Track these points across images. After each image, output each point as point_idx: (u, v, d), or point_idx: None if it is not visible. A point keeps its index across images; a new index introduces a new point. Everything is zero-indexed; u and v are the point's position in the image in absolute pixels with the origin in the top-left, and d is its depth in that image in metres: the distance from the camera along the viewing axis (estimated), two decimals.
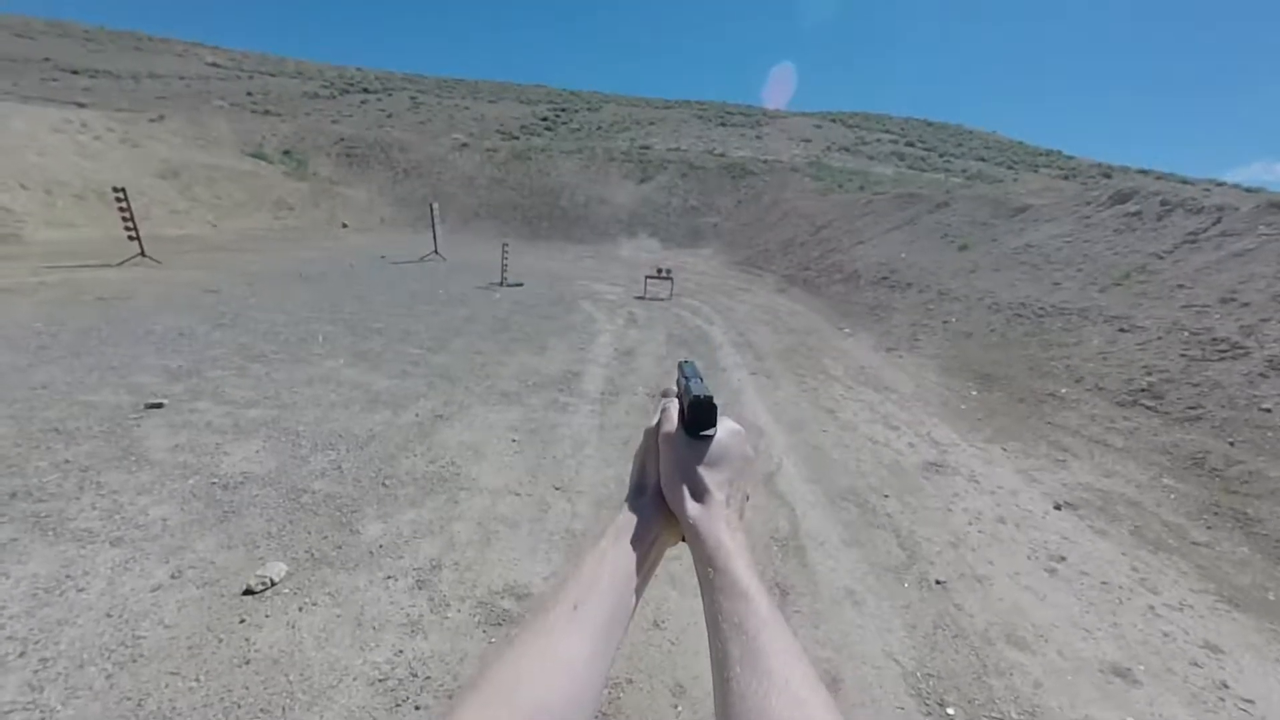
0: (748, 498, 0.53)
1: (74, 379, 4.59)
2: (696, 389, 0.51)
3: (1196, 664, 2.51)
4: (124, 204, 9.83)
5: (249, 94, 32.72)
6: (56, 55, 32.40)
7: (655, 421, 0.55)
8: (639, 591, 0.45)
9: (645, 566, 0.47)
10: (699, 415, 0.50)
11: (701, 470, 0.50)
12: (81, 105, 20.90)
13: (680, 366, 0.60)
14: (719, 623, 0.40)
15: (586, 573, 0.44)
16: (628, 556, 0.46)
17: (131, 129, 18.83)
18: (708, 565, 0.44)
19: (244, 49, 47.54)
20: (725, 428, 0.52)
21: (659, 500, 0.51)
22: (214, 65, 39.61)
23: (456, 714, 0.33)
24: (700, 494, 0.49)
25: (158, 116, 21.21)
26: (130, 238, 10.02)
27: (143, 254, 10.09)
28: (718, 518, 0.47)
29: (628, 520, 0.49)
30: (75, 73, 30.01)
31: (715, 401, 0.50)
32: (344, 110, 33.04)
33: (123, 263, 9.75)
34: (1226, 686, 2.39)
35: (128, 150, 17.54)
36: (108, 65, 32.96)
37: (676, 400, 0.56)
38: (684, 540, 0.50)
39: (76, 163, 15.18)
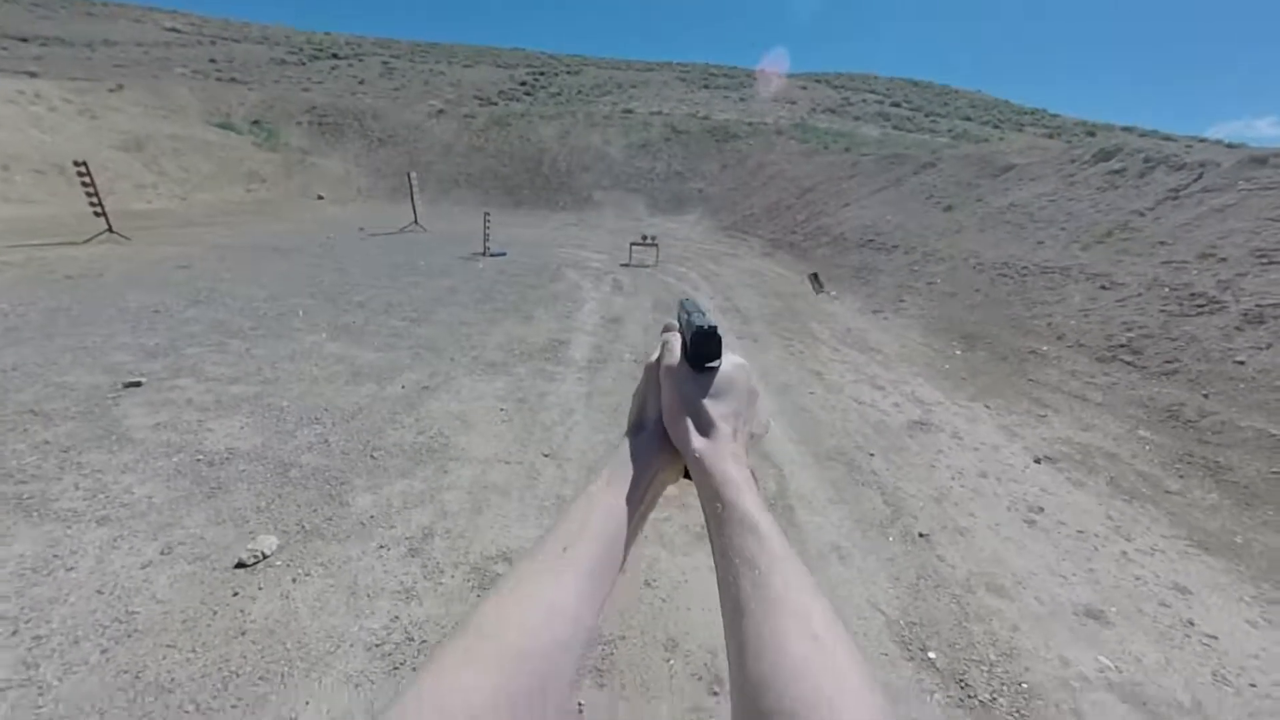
0: (753, 434, 0.52)
1: (46, 360, 4.48)
2: (699, 320, 0.50)
3: (1165, 604, 2.62)
4: (87, 178, 9.46)
5: (212, 61, 31.29)
6: (3, 22, 30.64)
7: (656, 356, 0.53)
8: (634, 531, 0.44)
9: (644, 504, 0.46)
10: (703, 346, 0.49)
11: (706, 403, 0.48)
12: (33, 75, 19.87)
13: (682, 303, 0.58)
14: (729, 558, 0.38)
15: (577, 514, 0.42)
16: (620, 497, 0.44)
17: (89, 99, 18.01)
18: (715, 500, 0.42)
19: (204, 13, 45.25)
20: (730, 360, 0.50)
21: (660, 436, 0.49)
22: (173, 30, 37.72)
23: (439, 658, 0.32)
24: (705, 427, 0.47)
25: (116, 86, 20.26)
26: (96, 213, 9.67)
27: (110, 230, 9.76)
28: (724, 451, 0.45)
29: (623, 460, 0.47)
30: (24, 40, 28.43)
31: (720, 332, 0.49)
32: (314, 77, 31.76)
33: (89, 240, 9.43)
34: (1192, 624, 2.50)
35: (87, 122, 16.81)
36: (59, 32, 31.25)
37: (679, 334, 0.54)
38: (686, 477, 0.49)
39: (33, 135, 14.53)
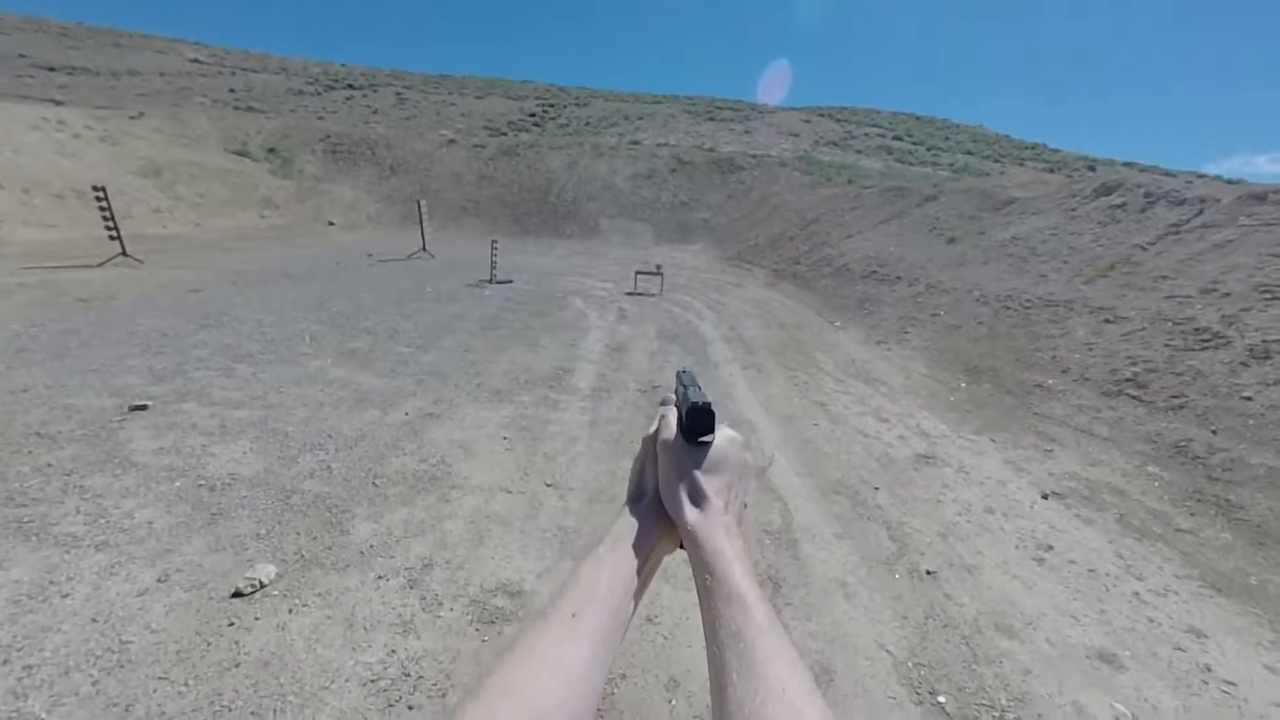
0: (745, 505, 0.54)
1: (55, 381, 4.52)
2: (695, 396, 0.52)
3: (1180, 648, 2.55)
4: (104, 203, 9.68)
5: (231, 90, 32.23)
6: (32, 51, 31.71)
7: (654, 429, 0.55)
8: (637, 598, 0.45)
9: (643, 573, 0.47)
10: (697, 421, 0.51)
11: (700, 476, 0.50)
12: (59, 103, 20.50)
13: (679, 375, 0.60)
14: (716, 629, 0.40)
15: (585, 580, 0.44)
16: (626, 563, 0.46)
17: (111, 126, 18.51)
18: (706, 571, 0.44)
19: (226, 45, 46.76)
20: (723, 434, 0.53)
21: (657, 507, 0.51)
22: (195, 62, 38.96)
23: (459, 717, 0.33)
24: (699, 500, 0.49)
25: (138, 114, 20.85)
26: (111, 237, 9.86)
27: (124, 253, 9.94)
28: (716, 524, 0.47)
29: (626, 526, 0.49)
30: (52, 69, 29.40)
31: (713, 409, 0.51)
32: (329, 107, 32.63)
33: (104, 263, 9.60)
34: (1210, 670, 2.43)
35: (107, 148, 17.24)
36: (85, 62, 32.31)
37: (675, 409, 0.57)
38: (682, 547, 0.50)
39: (55, 161, 14.91)
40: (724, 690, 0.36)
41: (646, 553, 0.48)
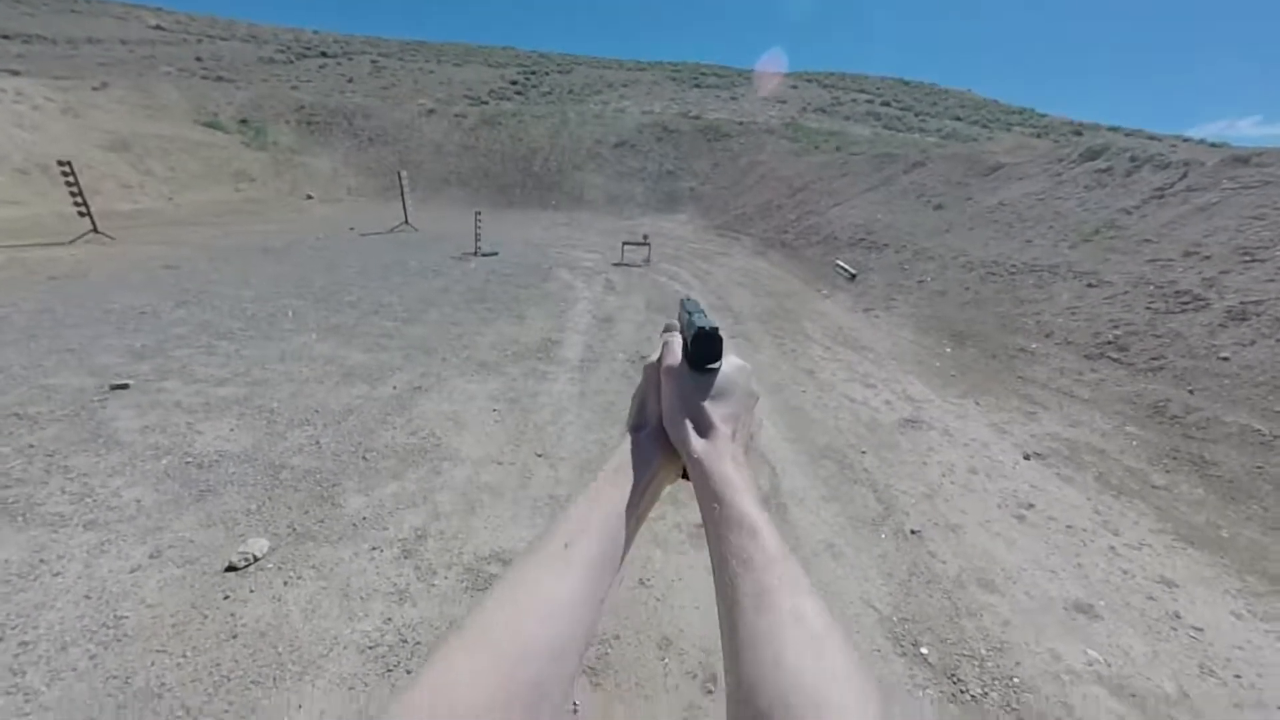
0: (752, 435, 0.52)
1: (31, 362, 4.42)
2: (701, 321, 0.50)
3: (1152, 598, 2.65)
4: (71, 178, 9.33)
5: (199, 59, 30.93)
6: None
7: (657, 356, 0.53)
8: (634, 530, 0.44)
9: (642, 503, 0.46)
10: (704, 348, 0.49)
11: (706, 404, 0.48)
12: (15, 73, 19.55)
13: (682, 302, 0.58)
14: (726, 559, 0.38)
15: (578, 511, 0.42)
16: (622, 495, 0.44)
17: (73, 97, 17.74)
18: (713, 500, 0.42)
19: (190, 11, 44.66)
20: (730, 362, 0.51)
21: (659, 436, 0.49)
22: (158, 29, 37.24)
23: (439, 656, 0.32)
24: (705, 428, 0.47)
25: (101, 84, 19.98)
26: (80, 214, 9.55)
27: (95, 230, 9.64)
28: (723, 452, 0.45)
29: (624, 458, 0.47)
30: (6, 38, 27.98)
31: (720, 333, 0.49)
32: (302, 76, 31.47)
33: (74, 240, 9.31)
34: (1179, 617, 2.54)
35: (70, 121, 16.56)
36: (42, 29, 30.77)
37: (679, 335, 0.54)
38: (684, 477, 0.49)
39: (15, 134, 14.30)
40: (736, 621, 0.35)
41: (646, 482, 0.46)
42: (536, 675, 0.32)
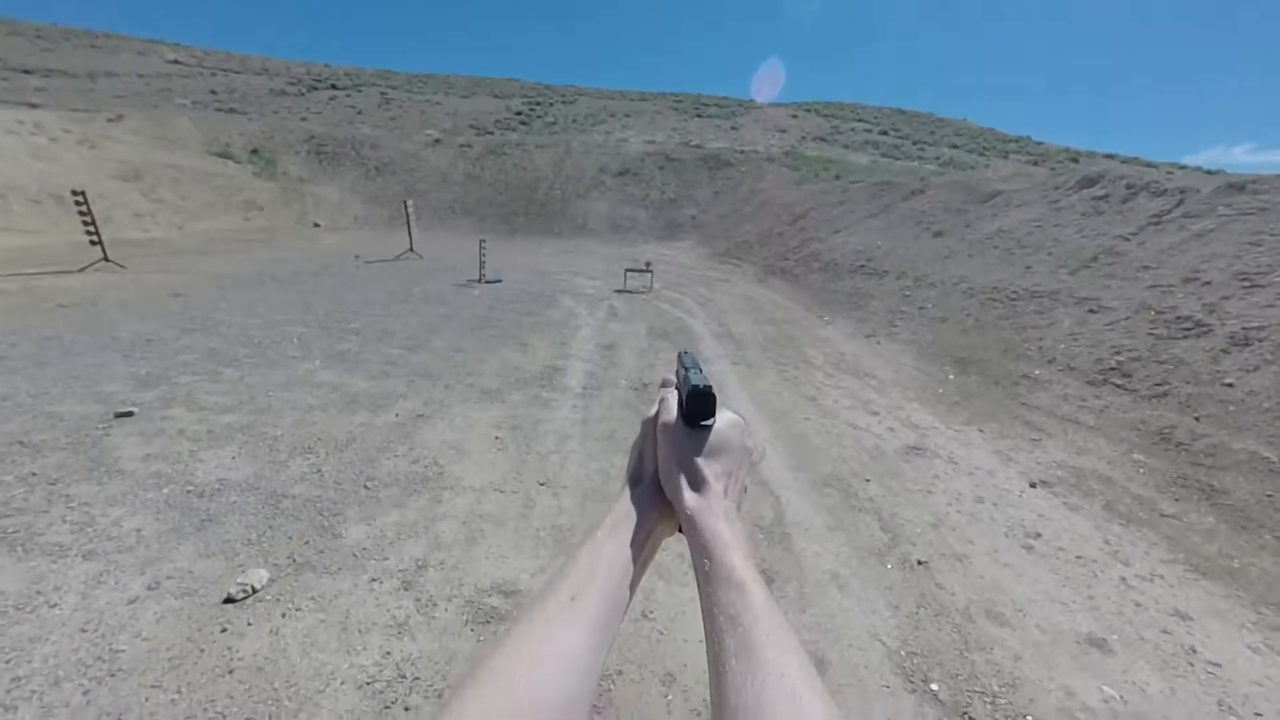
0: (745, 489, 0.53)
1: (37, 389, 4.45)
2: (696, 379, 0.51)
3: (1167, 631, 2.59)
4: (84, 207, 9.52)
5: (213, 92, 31.79)
6: (7, 54, 31.09)
7: (654, 412, 0.54)
8: (635, 583, 0.45)
9: (641, 558, 0.46)
10: (698, 405, 0.50)
11: (700, 461, 0.49)
12: (34, 106, 20.12)
13: (680, 357, 0.59)
14: (715, 614, 0.40)
15: (583, 564, 0.43)
16: (624, 548, 0.45)
17: (89, 129, 18.19)
18: (704, 556, 0.43)
19: (206, 46, 46.09)
20: (724, 418, 0.52)
21: (656, 491, 0.51)
22: (175, 63, 38.37)
23: (453, 708, 0.32)
24: (698, 484, 0.48)
25: (116, 116, 20.51)
26: (92, 242, 9.71)
27: (105, 259, 9.78)
28: (715, 509, 0.46)
29: (624, 511, 0.49)
30: (28, 72, 28.85)
31: (714, 392, 0.50)
32: (312, 107, 32.28)
33: (84, 268, 9.44)
34: (1195, 652, 2.48)
35: (85, 151, 16.95)
36: (62, 64, 31.73)
37: (676, 391, 0.56)
38: (680, 531, 0.50)
39: (31, 165, 14.63)
40: (722, 676, 0.36)
41: (644, 537, 0.47)
42: None
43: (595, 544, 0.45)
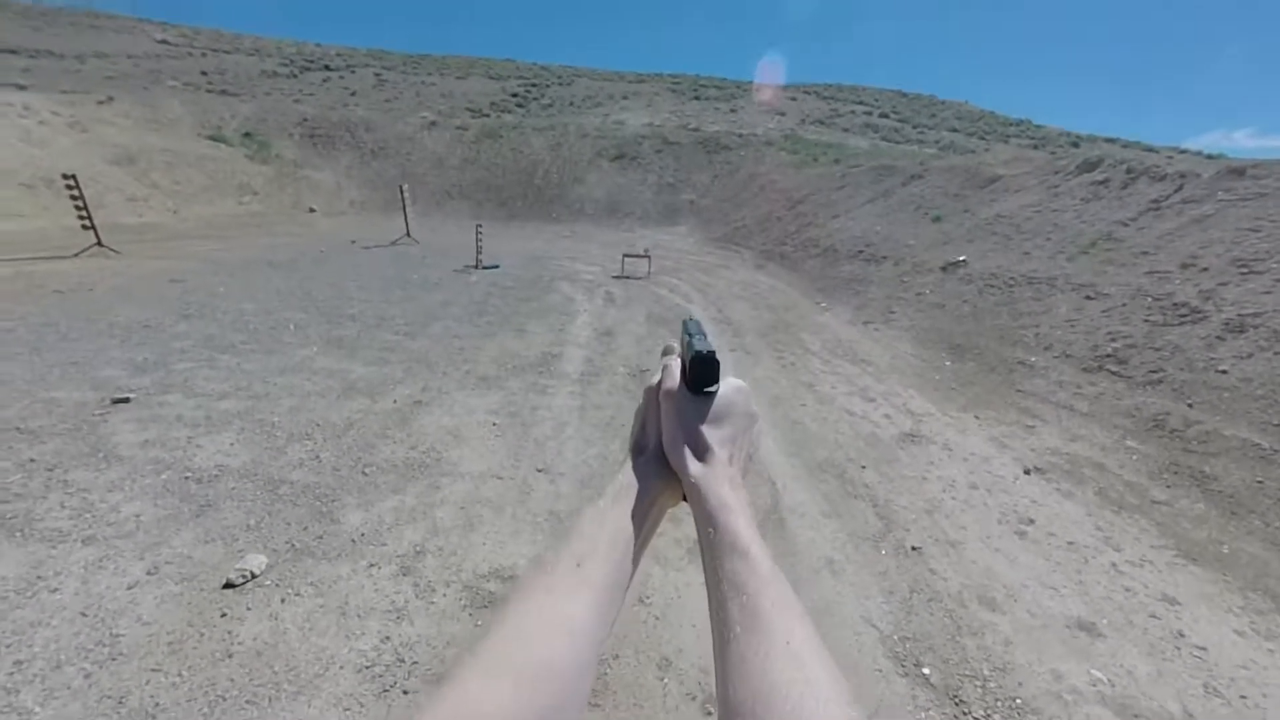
0: (750, 456, 0.52)
1: (34, 375, 4.43)
2: (699, 344, 0.50)
3: (1155, 616, 2.64)
4: (76, 192, 9.42)
5: (204, 73, 31.27)
6: None
7: (657, 379, 0.53)
8: (639, 553, 0.44)
9: (645, 527, 0.46)
10: (702, 371, 0.49)
11: (704, 428, 0.48)
12: (22, 87, 19.77)
13: (684, 324, 0.58)
14: (719, 582, 0.39)
15: (587, 532, 0.42)
16: (627, 517, 0.44)
17: (79, 112, 17.92)
18: (708, 524, 0.42)
19: (196, 25, 45.20)
20: (729, 384, 0.51)
21: (659, 459, 0.49)
22: (164, 43, 37.68)
23: (460, 675, 0.32)
24: (702, 452, 0.47)
25: (106, 98, 20.19)
26: (85, 227, 9.62)
27: (99, 244, 9.70)
28: (720, 476, 0.46)
29: (627, 480, 0.48)
30: (13, 52, 28.30)
31: (718, 357, 0.49)
32: (305, 89, 31.80)
33: (79, 253, 9.37)
34: (1182, 636, 2.52)
35: (77, 135, 16.72)
36: (48, 44, 31.13)
37: (679, 358, 0.55)
38: (684, 500, 0.49)
39: (21, 149, 14.44)
40: (727, 644, 0.35)
41: (648, 506, 0.47)
42: (556, 696, 0.32)
43: (599, 512, 0.45)
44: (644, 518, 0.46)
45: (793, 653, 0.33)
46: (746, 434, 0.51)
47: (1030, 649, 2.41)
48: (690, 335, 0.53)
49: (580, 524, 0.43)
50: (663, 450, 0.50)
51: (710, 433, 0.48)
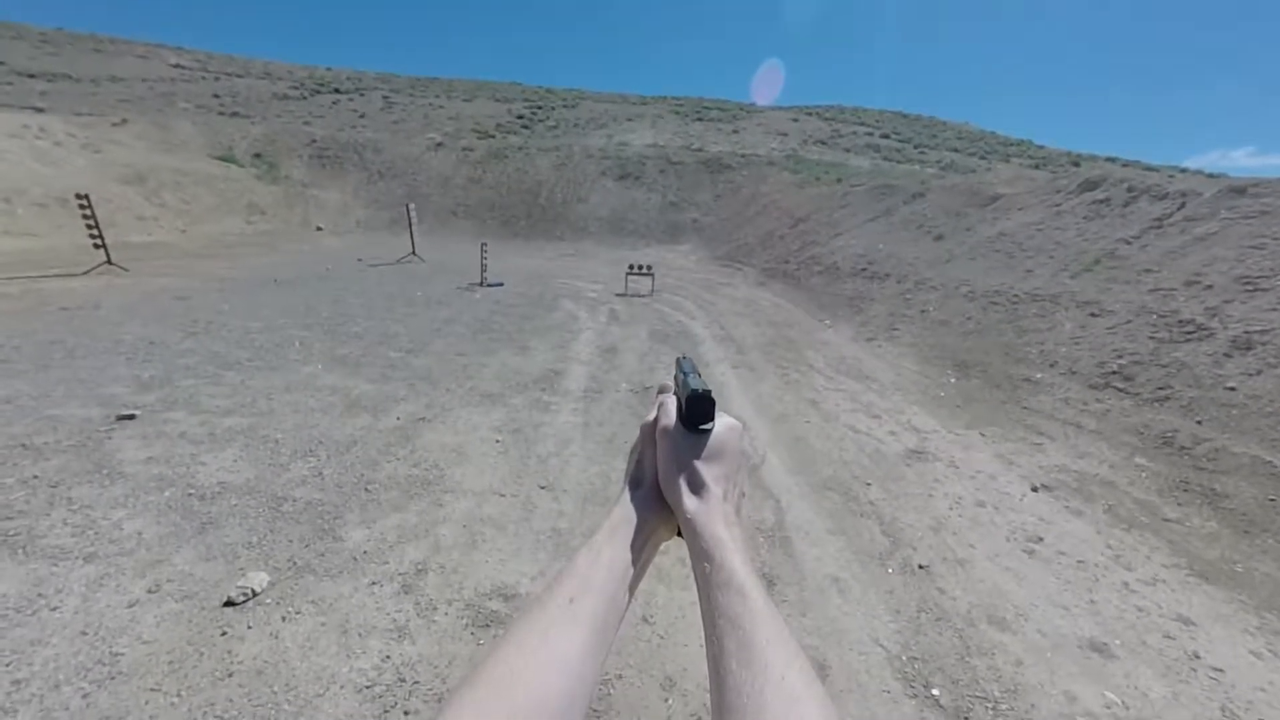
0: (744, 493, 0.54)
1: (40, 392, 4.46)
2: (695, 383, 0.52)
3: (1169, 636, 2.58)
4: (88, 210, 9.56)
5: (216, 96, 31.91)
6: (11, 58, 31.23)
7: (652, 416, 0.55)
8: (633, 587, 0.45)
9: (640, 562, 0.47)
10: (697, 409, 0.51)
11: (699, 465, 0.49)
12: (39, 110, 20.21)
13: (678, 362, 0.60)
14: (715, 618, 0.40)
15: (581, 568, 0.44)
16: (622, 551, 0.46)
17: (93, 133, 18.28)
18: (704, 560, 0.44)
19: (209, 50, 46.26)
20: (722, 422, 0.52)
21: (655, 495, 0.51)
22: (178, 67, 38.55)
23: (453, 706, 0.32)
24: (698, 488, 0.48)
25: (120, 120, 20.60)
26: (96, 245, 9.75)
27: (109, 262, 9.82)
28: (715, 512, 0.47)
29: (623, 515, 0.49)
30: (32, 76, 28.98)
31: (712, 395, 0.51)
32: (315, 111, 32.39)
33: (88, 271, 9.48)
34: (1198, 657, 2.47)
35: (90, 155, 17.03)
36: (66, 68, 31.88)
37: (674, 396, 0.56)
38: (679, 535, 0.50)
39: (36, 169, 14.70)
40: (722, 679, 0.36)
41: (643, 541, 0.48)
42: None
43: (594, 547, 0.46)
44: (639, 551, 0.47)
45: (787, 688, 0.34)
46: (740, 472, 0.52)
47: (1042, 670, 2.36)
48: (685, 373, 0.55)
49: (575, 561, 0.45)
50: (659, 485, 0.51)
51: (705, 469, 0.49)
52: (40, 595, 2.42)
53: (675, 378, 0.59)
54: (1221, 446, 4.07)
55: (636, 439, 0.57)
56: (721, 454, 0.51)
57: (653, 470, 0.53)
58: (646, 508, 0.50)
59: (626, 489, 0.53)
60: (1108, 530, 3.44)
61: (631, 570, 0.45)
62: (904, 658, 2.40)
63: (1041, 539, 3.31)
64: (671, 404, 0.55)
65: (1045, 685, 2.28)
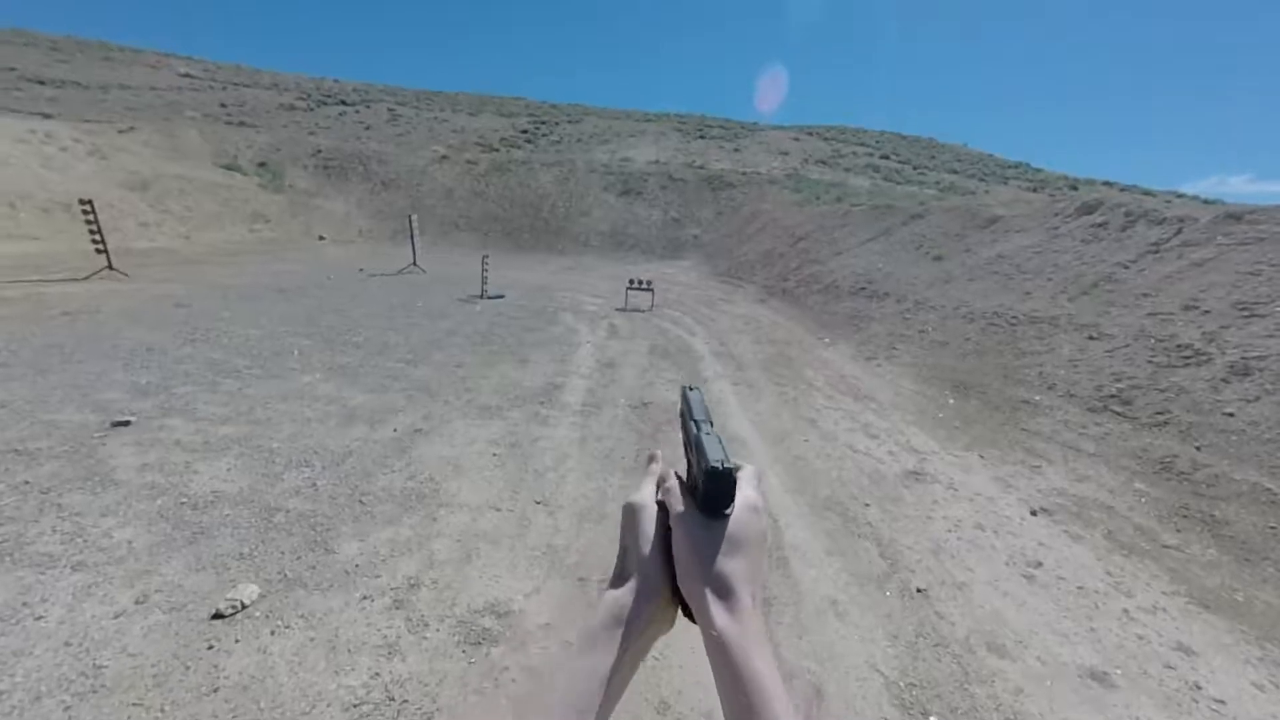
0: (764, 585, 0.46)
1: (36, 397, 4.43)
2: (712, 451, 0.42)
3: (1170, 666, 2.55)
4: (91, 216, 9.59)
5: (223, 105, 32.22)
6: (21, 65, 31.57)
7: (642, 495, 0.47)
8: (619, 691, 0.40)
9: (628, 664, 0.40)
10: (718, 490, 0.41)
11: (722, 561, 0.41)
12: (47, 116, 20.38)
13: (683, 393, 0.50)
14: None
15: (541, 688, 0.39)
16: (604, 660, 0.39)
17: (99, 140, 18.42)
18: (741, 694, 0.36)
19: (218, 60, 46.80)
20: (743, 501, 0.43)
21: (647, 592, 0.43)
22: (187, 76, 38.97)
23: None
24: (725, 593, 0.40)
25: (127, 127, 20.78)
26: (98, 250, 9.77)
27: (110, 267, 9.84)
28: (750, 634, 0.39)
29: (601, 622, 0.41)
30: (41, 83, 29.26)
31: (735, 473, 0.42)
32: (321, 122, 32.69)
33: (89, 276, 9.49)
34: (1199, 688, 2.43)
35: (95, 162, 17.14)
36: (75, 76, 32.22)
37: (675, 475, 0.48)
38: (685, 614, 0.43)
39: (41, 174, 14.79)
40: None
41: (635, 638, 0.41)
42: None
43: (562, 663, 0.40)
44: (625, 651, 0.40)
45: None
46: (762, 563, 0.43)
47: (1042, 698, 2.32)
48: (696, 422, 0.47)
49: (546, 676, 0.41)
50: (649, 578, 0.43)
51: (729, 566, 0.41)
52: (25, 604, 2.38)
53: (681, 412, 0.50)
54: (1221, 472, 4.05)
55: (620, 527, 0.48)
56: (743, 544, 0.42)
57: (654, 563, 0.44)
58: (639, 605, 0.42)
59: (608, 588, 0.44)
60: (1107, 556, 3.41)
61: (614, 675, 0.39)
62: (902, 684, 2.36)
63: (1041, 564, 3.28)
64: (673, 481, 0.47)
65: (1045, 714, 2.25)
